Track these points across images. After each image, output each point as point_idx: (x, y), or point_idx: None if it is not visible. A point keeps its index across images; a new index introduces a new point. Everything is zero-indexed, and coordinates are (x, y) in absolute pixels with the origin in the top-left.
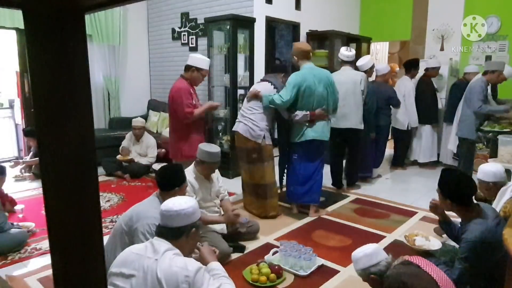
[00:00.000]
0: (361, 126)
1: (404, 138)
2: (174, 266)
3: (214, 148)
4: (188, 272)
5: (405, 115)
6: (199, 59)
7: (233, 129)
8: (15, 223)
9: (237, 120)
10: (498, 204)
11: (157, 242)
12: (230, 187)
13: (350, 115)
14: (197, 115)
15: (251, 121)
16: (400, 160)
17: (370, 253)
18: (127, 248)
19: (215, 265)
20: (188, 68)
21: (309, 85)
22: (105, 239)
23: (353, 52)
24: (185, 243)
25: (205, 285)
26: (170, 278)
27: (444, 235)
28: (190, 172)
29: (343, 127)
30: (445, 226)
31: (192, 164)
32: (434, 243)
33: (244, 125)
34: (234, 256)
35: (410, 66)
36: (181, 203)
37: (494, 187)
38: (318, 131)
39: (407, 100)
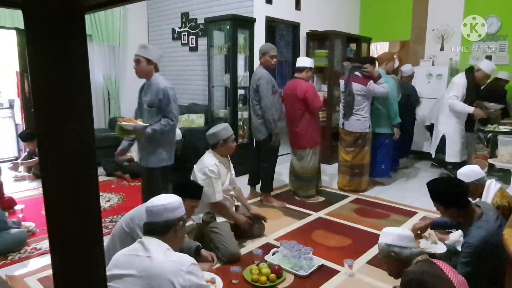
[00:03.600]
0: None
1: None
2: (169, 260)
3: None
4: (183, 266)
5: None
6: (309, 60)
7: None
8: (15, 220)
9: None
10: (486, 199)
11: (147, 240)
12: None
13: None
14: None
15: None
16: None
17: (403, 235)
18: (117, 252)
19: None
20: (302, 69)
21: None
22: (105, 239)
23: None
24: (174, 237)
25: (199, 278)
26: (166, 272)
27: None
28: (211, 156)
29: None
30: (438, 227)
31: (210, 152)
32: (439, 247)
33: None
34: None
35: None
36: (166, 198)
37: (479, 185)
38: None
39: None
